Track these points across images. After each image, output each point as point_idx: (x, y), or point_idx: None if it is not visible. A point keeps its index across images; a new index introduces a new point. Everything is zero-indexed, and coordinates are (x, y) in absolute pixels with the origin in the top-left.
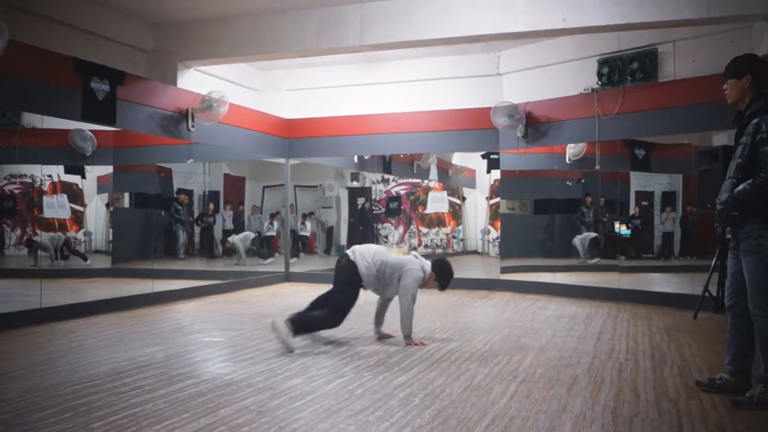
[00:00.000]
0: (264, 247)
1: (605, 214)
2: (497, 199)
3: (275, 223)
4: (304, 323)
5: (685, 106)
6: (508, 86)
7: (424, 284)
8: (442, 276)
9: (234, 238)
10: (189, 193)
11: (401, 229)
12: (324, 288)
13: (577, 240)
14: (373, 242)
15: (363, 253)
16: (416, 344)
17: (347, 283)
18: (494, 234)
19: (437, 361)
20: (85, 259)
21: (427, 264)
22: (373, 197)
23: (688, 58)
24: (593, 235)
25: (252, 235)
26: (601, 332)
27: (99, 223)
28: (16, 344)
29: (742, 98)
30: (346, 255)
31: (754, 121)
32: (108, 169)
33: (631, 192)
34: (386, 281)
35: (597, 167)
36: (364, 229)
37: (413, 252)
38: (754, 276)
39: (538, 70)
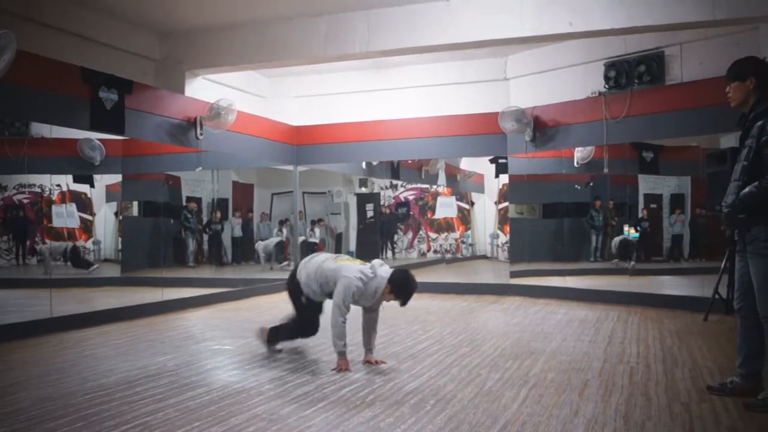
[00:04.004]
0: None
1: (614, 217)
2: (506, 204)
3: (284, 230)
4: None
5: (692, 109)
6: (516, 91)
7: (375, 296)
8: (397, 287)
9: (259, 245)
10: (198, 201)
11: (410, 234)
12: None
13: (616, 240)
14: (386, 249)
15: (307, 267)
16: (341, 368)
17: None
18: (503, 238)
19: (448, 366)
20: (89, 266)
21: (382, 272)
22: (382, 203)
23: (695, 60)
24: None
25: (275, 239)
26: (612, 336)
27: (108, 232)
28: (27, 354)
29: (746, 101)
30: (293, 272)
31: (759, 123)
32: (117, 178)
33: (640, 195)
34: (330, 290)
35: (605, 170)
36: (384, 237)
37: (376, 260)
38: (762, 279)
39: (545, 74)
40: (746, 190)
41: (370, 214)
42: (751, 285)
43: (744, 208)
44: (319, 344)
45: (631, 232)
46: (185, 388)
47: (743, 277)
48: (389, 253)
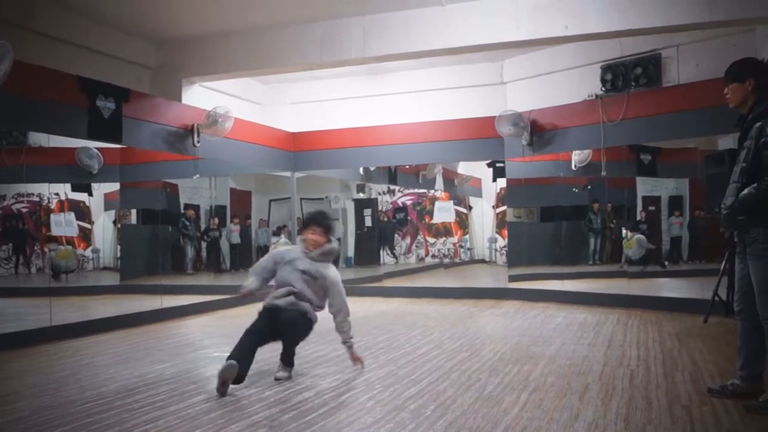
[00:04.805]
0: None
1: (612, 220)
2: (504, 208)
3: (282, 236)
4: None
5: (689, 111)
6: (512, 94)
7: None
8: (306, 218)
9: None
10: (196, 208)
11: (408, 239)
12: None
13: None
14: (386, 254)
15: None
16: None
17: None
18: (501, 242)
19: (447, 371)
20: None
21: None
22: (380, 208)
23: (691, 62)
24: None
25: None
26: (612, 339)
27: (107, 240)
28: (26, 362)
29: (744, 102)
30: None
31: (758, 125)
32: (115, 186)
33: (638, 197)
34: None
35: (603, 173)
36: (384, 241)
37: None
38: (762, 281)
39: (542, 77)
40: (745, 191)
41: (368, 219)
42: (751, 287)
43: (743, 209)
44: (317, 350)
45: (629, 235)
46: (185, 396)
47: (743, 279)
48: (389, 259)
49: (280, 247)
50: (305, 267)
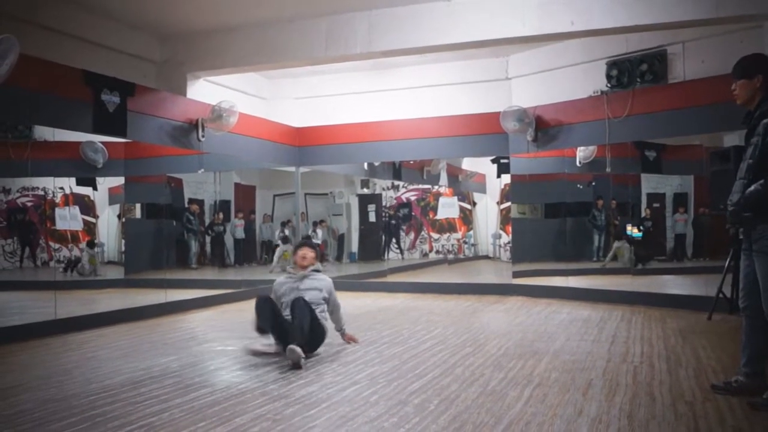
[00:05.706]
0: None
1: (617, 216)
2: (508, 204)
3: (286, 231)
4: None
5: (695, 107)
6: (517, 90)
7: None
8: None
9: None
10: (200, 202)
11: (412, 235)
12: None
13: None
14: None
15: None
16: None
17: None
18: (505, 238)
19: (451, 366)
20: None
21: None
22: (384, 204)
23: (697, 58)
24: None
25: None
26: (615, 335)
27: (111, 234)
28: (31, 355)
29: (752, 99)
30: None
31: (764, 121)
32: (119, 181)
33: (643, 194)
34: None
35: (608, 170)
36: (389, 237)
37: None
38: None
39: (547, 73)
40: (752, 188)
41: (371, 215)
42: (756, 284)
43: (750, 206)
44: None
45: (633, 232)
46: (189, 389)
47: (748, 276)
48: (393, 254)
49: (286, 256)
50: (307, 285)
